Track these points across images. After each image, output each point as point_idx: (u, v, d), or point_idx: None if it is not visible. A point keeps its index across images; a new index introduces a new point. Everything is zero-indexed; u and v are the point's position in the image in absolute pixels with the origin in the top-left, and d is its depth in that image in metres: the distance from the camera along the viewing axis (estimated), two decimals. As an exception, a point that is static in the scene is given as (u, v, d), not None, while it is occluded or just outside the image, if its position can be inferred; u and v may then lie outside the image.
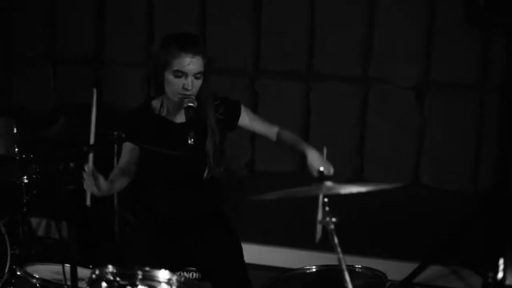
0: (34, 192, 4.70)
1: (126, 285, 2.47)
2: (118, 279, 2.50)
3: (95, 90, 3.12)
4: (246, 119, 3.51)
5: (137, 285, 2.47)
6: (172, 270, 3.27)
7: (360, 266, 3.35)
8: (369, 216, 4.90)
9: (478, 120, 4.72)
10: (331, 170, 3.20)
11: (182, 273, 3.45)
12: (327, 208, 2.56)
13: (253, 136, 5.00)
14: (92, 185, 3.07)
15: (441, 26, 4.67)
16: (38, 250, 4.76)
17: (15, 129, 4.38)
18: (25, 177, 4.52)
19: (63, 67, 5.42)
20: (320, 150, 3.35)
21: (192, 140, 3.16)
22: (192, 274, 3.46)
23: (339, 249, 2.55)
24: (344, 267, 2.55)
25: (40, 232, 5.38)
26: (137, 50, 5.23)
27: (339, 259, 2.55)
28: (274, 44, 5.01)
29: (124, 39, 5.28)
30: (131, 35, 5.25)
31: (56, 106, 5.28)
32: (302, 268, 3.35)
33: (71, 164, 2.74)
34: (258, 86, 5.07)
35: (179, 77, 3.27)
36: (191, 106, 3.26)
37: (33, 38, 5.44)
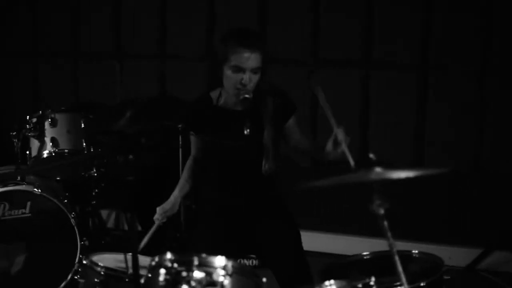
0: (103, 185, 4.87)
1: (183, 271, 2.55)
2: (175, 265, 2.58)
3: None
4: (293, 122, 3.58)
5: (193, 271, 2.55)
6: (232, 257, 3.44)
7: (417, 251, 3.38)
8: (431, 202, 4.90)
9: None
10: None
11: (241, 261, 3.53)
12: (377, 194, 2.59)
13: (314, 126, 5.07)
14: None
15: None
16: (107, 241, 4.91)
17: (82, 124, 4.52)
18: (93, 170, 4.68)
19: (129, 63, 5.56)
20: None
21: (248, 130, 3.24)
22: (252, 261, 3.53)
23: (389, 234, 2.59)
24: (395, 251, 2.59)
25: (110, 224, 5.55)
26: (199, 44, 5.33)
27: (389, 245, 2.59)
28: (332, 34, 5.05)
29: (187, 33, 5.38)
30: (193, 29, 5.35)
31: (122, 100, 5.43)
32: (358, 255, 3.40)
33: (130, 156, 2.85)
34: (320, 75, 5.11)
35: (237, 72, 3.35)
36: (247, 97, 3.34)
37: (99, 34, 5.59)
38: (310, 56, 5.12)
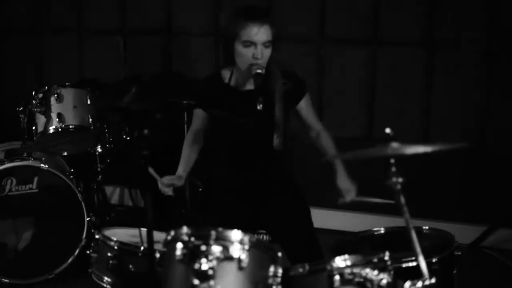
0: (108, 161, 4.87)
1: (200, 244, 2.55)
2: (192, 239, 2.58)
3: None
4: (306, 103, 3.58)
5: (211, 245, 2.54)
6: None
7: (427, 228, 3.39)
8: (436, 179, 4.92)
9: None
10: (353, 190, 3.41)
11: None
12: (393, 169, 2.60)
13: (321, 106, 5.08)
14: (166, 186, 3.41)
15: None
16: (112, 217, 4.92)
17: (88, 100, 4.51)
18: (99, 146, 4.67)
19: (133, 38, 5.53)
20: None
21: (261, 105, 3.24)
22: (263, 237, 3.54)
23: (405, 209, 2.60)
24: (411, 227, 2.60)
25: (114, 200, 5.55)
26: (205, 20, 5.31)
27: (406, 220, 2.60)
28: (339, 12, 5.04)
29: (193, 8, 5.36)
30: (198, 5, 5.33)
31: (127, 76, 5.41)
32: (370, 230, 3.42)
33: (145, 131, 2.85)
34: (324, 53, 5.11)
35: (248, 46, 3.35)
36: (259, 73, 3.33)
37: (103, 11, 5.57)
38: (318, 33, 5.10)
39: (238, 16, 3.39)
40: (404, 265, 2.91)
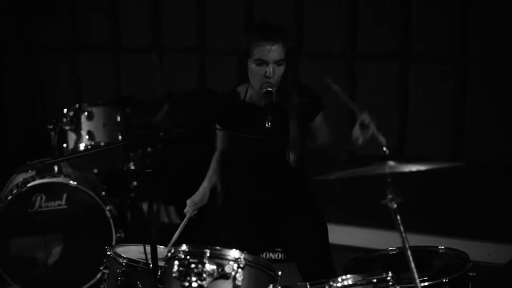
0: (141, 178, 4.94)
1: (194, 262, 2.58)
2: (188, 257, 2.61)
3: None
4: (319, 120, 3.54)
5: (204, 263, 2.57)
6: (258, 250, 3.45)
7: (443, 247, 3.34)
8: (466, 197, 4.84)
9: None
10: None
11: (267, 254, 3.55)
12: (390, 188, 2.58)
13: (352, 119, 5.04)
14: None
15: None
16: (145, 233, 4.96)
17: (118, 118, 4.59)
18: (131, 163, 4.75)
19: (169, 56, 5.61)
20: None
21: (270, 124, 3.24)
22: (278, 255, 3.54)
23: (402, 228, 2.57)
24: (407, 245, 2.57)
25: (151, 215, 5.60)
26: (237, 39, 5.33)
27: (402, 238, 2.57)
28: (371, 27, 5.02)
29: (225, 28, 5.41)
30: (231, 24, 5.38)
31: (161, 94, 5.49)
32: (384, 250, 3.38)
33: (149, 149, 2.89)
34: (356, 69, 5.09)
35: (260, 65, 3.35)
36: (269, 91, 3.33)
37: (140, 29, 5.67)
38: (348, 49, 5.09)
39: (251, 34, 3.40)
40: (408, 286, 2.86)
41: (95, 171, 4.73)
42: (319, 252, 3.46)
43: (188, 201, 3.60)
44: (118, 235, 4.41)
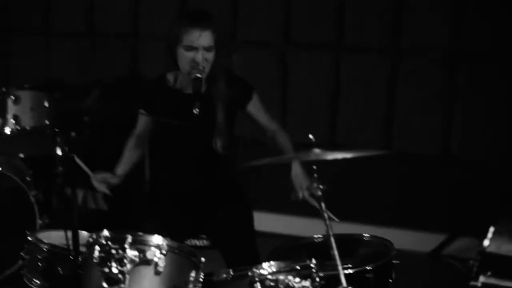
0: (67, 163, 4.84)
1: (115, 248, 2.54)
2: (109, 242, 2.57)
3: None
4: (255, 107, 3.54)
5: (125, 249, 2.54)
6: (184, 237, 3.43)
7: (368, 235, 3.36)
8: (394, 186, 4.89)
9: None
10: (304, 185, 3.20)
11: (191, 241, 3.53)
12: (315, 175, 2.58)
13: (284, 107, 5.05)
14: (100, 184, 3.40)
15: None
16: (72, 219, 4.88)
17: (46, 102, 4.49)
18: (58, 149, 4.65)
19: (101, 41, 5.53)
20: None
21: (197, 110, 3.22)
22: (203, 242, 3.52)
23: (326, 216, 2.57)
24: (331, 233, 2.58)
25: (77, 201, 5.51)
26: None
27: (326, 226, 2.58)
28: (304, 16, 5.02)
29: (159, 13, 5.35)
30: (165, 9, 5.32)
31: (90, 79, 5.41)
32: (309, 237, 3.39)
33: (72, 134, 2.83)
34: (288, 58, 5.09)
35: (190, 51, 3.34)
36: (198, 77, 3.32)
37: (71, 13, 5.57)
38: (282, 38, 5.09)
39: (180, 20, 3.41)
40: (332, 273, 2.86)
41: (21, 155, 4.61)
42: (243, 239, 3.46)
43: (97, 176, 3.52)
44: (42, 221, 4.31)
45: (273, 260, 2.81)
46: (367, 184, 4.91)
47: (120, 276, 2.49)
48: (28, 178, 4.41)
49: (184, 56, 3.35)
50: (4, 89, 4.46)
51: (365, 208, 4.84)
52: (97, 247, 2.60)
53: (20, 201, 4.26)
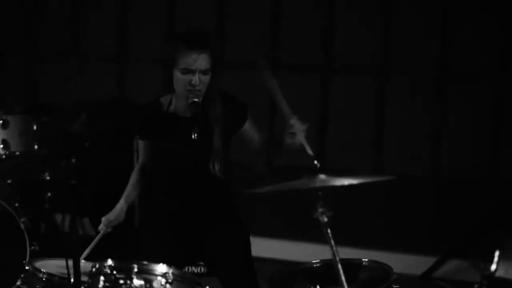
0: (55, 189, 4.79)
1: (122, 278, 2.50)
2: (114, 272, 2.53)
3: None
4: (249, 125, 3.50)
5: (132, 278, 2.50)
6: (181, 264, 3.38)
7: (367, 260, 3.34)
8: (386, 208, 4.89)
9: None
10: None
11: (190, 268, 3.48)
12: (321, 202, 2.57)
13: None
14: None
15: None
16: (60, 245, 4.82)
17: (35, 126, 4.44)
18: (46, 173, 4.60)
19: (88, 65, 5.50)
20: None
21: (196, 135, 3.19)
22: (200, 269, 3.49)
23: (333, 242, 2.56)
24: (338, 259, 2.56)
25: (65, 228, 5.45)
26: (158, 47, 5.27)
27: (333, 252, 2.56)
28: (293, 39, 5.04)
29: (146, 35, 5.34)
30: (153, 31, 5.31)
31: (78, 102, 5.36)
32: (308, 262, 3.36)
33: (73, 160, 2.79)
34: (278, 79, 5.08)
35: (186, 73, 3.29)
36: (195, 101, 3.28)
37: (59, 34, 5.54)
38: (271, 60, 5.09)
39: (177, 42, 3.33)
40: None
41: (9, 181, 4.55)
42: (242, 266, 3.41)
43: (103, 219, 3.48)
44: (33, 247, 4.24)
45: (272, 286, 2.79)
46: (355, 208, 4.90)
47: (128, 306, 2.45)
48: (16, 204, 4.35)
49: (180, 79, 3.30)
50: (-9, 114, 4.41)
51: (355, 231, 4.83)
52: (101, 277, 2.56)
53: (9, 228, 4.18)
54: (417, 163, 4.85)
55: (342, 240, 4.37)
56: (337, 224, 4.54)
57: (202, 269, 3.50)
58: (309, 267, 3.35)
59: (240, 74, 5.01)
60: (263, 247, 3.78)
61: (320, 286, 2.82)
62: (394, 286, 3.16)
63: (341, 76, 4.95)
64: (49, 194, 4.73)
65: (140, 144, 3.54)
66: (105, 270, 2.57)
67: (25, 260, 4.15)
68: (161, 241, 3.46)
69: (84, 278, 2.78)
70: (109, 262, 2.60)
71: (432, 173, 4.82)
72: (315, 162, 2.60)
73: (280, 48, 5.07)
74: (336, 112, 5.00)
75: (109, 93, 5.45)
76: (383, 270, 3.27)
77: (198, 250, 3.48)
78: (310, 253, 4.49)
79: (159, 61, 5.16)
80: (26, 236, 4.18)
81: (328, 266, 3.36)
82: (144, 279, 2.53)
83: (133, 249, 4.05)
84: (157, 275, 2.56)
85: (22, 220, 4.20)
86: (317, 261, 3.36)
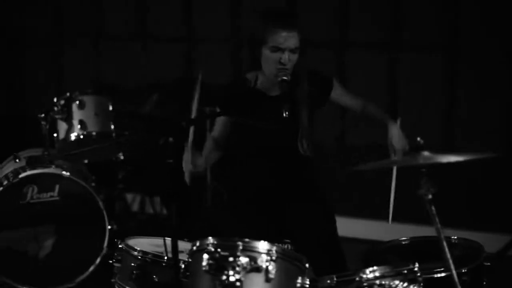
0: (129, 168, 4.84)
1: (228, 256, 2.51)
2: (219, 250, 2.54)
3: (200, 71, 3.19)
4: (337, 93, 3.54)
5: (238, 256, 2.51)
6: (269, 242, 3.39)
7: (456, 237, 3.33)
8: (465, 187, 4.84)
9: None
10: (407, 147, 3.23)
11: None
12: (425, 179, 2.55)
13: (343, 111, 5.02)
14: (189, 161, 3.17)
15: None
16: (132, 225, 4.89)
17: (110, 106, 4.49)
18: (120, 153, 4.64)
19: (153, 45, 5.51)
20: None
21: (287, 113, 3.19)
22: (288, 247, 3.48)
23: (437, 219, 2.54)
24: (442, 237, 2.54)
25: (135, 207, 5.51)
26: (224, 26, 5.28)
27: (437, 230, 2.55)
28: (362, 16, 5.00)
29: (212, 15, 5.33)
30: (218, 10, 5.30)
31: (147, 83, 5.38)
32: (397, 240, 3.36)
33: (170, 139, 2.81)
34: (346, 58, 5.07)
35: (275, 52, 3.30)
36: (285, 79, 3.28)
37: (124, 17, 5.55)
38: (339, 38, 5.07)
39: (266, 21, 3.34)
40: (434, 276, 2.84)
41: (85, 161, 4.60)
42: (329, 243, 3.43)
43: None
44: (111, 227, 4.29)
45: (369, 264, 2.78)
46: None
47: (238, 284, 2.45)
48: (93, 184, 4.40)
49: (270, 57, 3.31)
50: (68, 94, 4.45)
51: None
52: (205, 255, 2.56)
53: (88, 208, 4.23)
54: (490, 142, 4.78)
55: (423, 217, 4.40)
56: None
57: (289, 246, 3.49)
58: (397, 244, 3.36)
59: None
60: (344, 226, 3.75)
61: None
62: (486, 263, 3.16)
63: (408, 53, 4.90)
64: (122, 174, 4.78)
65: (218, 121, 3.54)
66: (208, 248, 2.57)
67: (104, 239, 4.23)
68: (245, 219, 3.48)
69: (181, 257, 2.82)
70: (211, 240, 2.60)
71: (507, 151, 4.74)
72: (418, 138, 2.57)
73: (349, 25, 5.03)
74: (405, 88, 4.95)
75: (175, 75, 5.46)
76: (473, 247, 3.26)
77: (283, 228, 3.49)
78: (383, 230, 4.52)
79: (226, 40, 5.25)
80: (105, 215, 4.23)
81: (415, 243, 3.38)
82: (249, 257, 2.52)
83: (204, 229, 4.07)
84: (261, 253, 2.55)
85: (101, 199, 4.25)
86: (404, 238, 3.37)
